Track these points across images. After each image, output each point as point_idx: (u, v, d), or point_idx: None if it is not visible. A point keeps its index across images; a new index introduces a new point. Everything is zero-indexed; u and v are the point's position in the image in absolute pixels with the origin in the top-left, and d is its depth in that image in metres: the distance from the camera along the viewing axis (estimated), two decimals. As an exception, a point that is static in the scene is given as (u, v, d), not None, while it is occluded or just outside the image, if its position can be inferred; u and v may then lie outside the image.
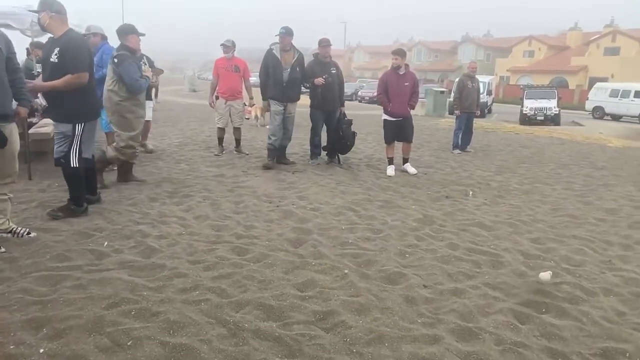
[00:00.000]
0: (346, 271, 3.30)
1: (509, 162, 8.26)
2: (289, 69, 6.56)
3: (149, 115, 7.00)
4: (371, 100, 29.46)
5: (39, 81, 4.17)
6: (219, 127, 7.70)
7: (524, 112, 19.52)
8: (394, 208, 4.98)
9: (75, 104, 3.98)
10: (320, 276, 3.23)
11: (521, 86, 23.54)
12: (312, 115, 7.19)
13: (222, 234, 4.00)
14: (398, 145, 7.06)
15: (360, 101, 30.01)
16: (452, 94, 20.53)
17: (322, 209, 4.79)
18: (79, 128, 4.02)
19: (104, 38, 6.14)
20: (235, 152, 7.82)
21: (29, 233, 3.73)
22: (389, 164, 6.91)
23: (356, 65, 65.31)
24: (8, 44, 3.51)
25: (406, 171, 6.92)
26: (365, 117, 15.54)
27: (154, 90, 7.70)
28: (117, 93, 5.03)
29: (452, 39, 56.69)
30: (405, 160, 7.04)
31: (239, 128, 7.76)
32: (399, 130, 6.82)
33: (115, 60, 4.95)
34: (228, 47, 7.33)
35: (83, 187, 4.26)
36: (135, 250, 3.55)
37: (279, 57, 6.55)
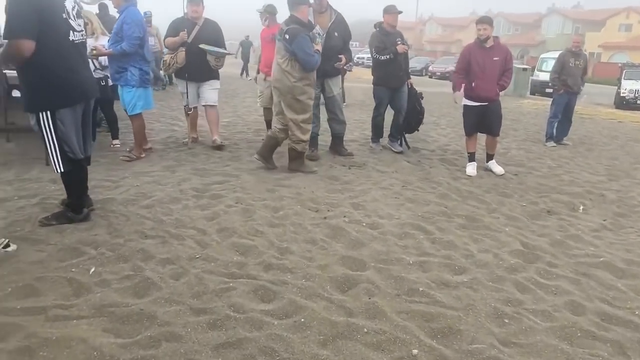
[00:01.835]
0: (415, 351, 2.18)
1: (621, 161, 6.61)
2: (324, 35, 5.30)
3: (213, 98, 5.92)
4: (443, 76, 27.46)
5: None
6: (264, 108, 6.68)
7: (621, 94, 16.94)
8: (480, 229, 3.74)
9: (32, 85, 2.99)
10: (375, 356, 2.14)
11: (620, 64, 20.54)
12: (376, 92, 6.29)
13: (247, 261, 2.99)
14: (480, 137, 5.70)
15: (430, 77, 27.96)
16: (541, 72, 18.44)
17: (382, 226, 3.65)
18: (44, 118, 3.02)
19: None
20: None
21: (7, 246, 2.93)
22: (470, 161, 5.59)
23: (428, 39, 61.94)
24: None
25: (491, 170, 5.57)
26: (438, 96, 13.97)
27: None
28: (291, 74, 4.62)
29: (537, 10, 51.95)
30: (489, 157, 5.68)
31: None
32: (482, 119, 5.44)
33: (287, 36, 4.43)
34: (261, 13, 6.24)
35: (82, 192, 3.39)
36: (126, 284, 2.63)
37: (313, 21, 5.36)
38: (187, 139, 6.15)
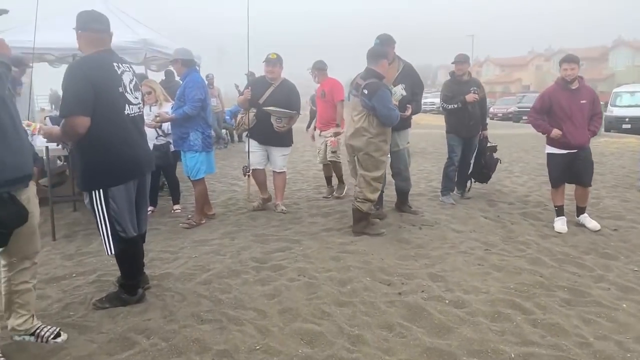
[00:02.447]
0: None
1: None
2: (401, 89, 4.98)
3: (280, 164, 5.58)
4: (505, 117, 26.44)
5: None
6: (323, 164, 6.45)
7: None
8: (589, 305, 3.11)
9: (85, 161, 2.88)
10: None
11: None
12: (448, 140, 5.98)
13: (314, 353, 2.57)
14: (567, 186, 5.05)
15: (492, 118, 27.01)
16: (615, 107, 17.12)
17: (469, 303, 3.12)
18: (96, 197, 2.87)
19: (189, 65, 4.99)
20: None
21: (57, 335, 2.72)
22: (558, 215, 4.94)
23: (485, 80, 60.86)
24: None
25: (584, 225, 4.87)
26: (504, 139, 13.21)
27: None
28: (367, 130, 4.40)
29: (601, 44, 49.86)
30: (580, 210, 4.99)
31: (336, 162, 6.26)
32: (571, 168, 4.82)
33: (365, 91, 4.25)
34: (312, 70, 6.15)
35: (136, 272, 3.17)
36: (178, 386, 2.29)
37: None
38: (255, 202, 5.75)
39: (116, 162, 2.84)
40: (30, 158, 2.54)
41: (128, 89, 2.89)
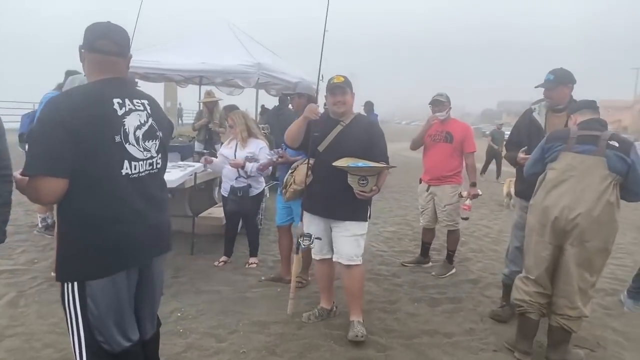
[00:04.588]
0: None
1: None
2: None
3: (348, 252, 3.31)
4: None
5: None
6: (424, 228, 5.05)
7: None
8: None
9: (60, 240, 1.94)
10: None
11: None
12: None
13: None
14: None
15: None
16: None
17: None
18: (68, 292, 1.91)
19: (312, 100, 4.25)
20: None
21: None
22: None
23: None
24: None
25: None
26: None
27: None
28: (615, 205, 2.85)
29: None
30: None
31: (453, 231, 4.79)
32: None
33: (616, 143, 2.85)
34: (441, 102, 4.65)
35: None
36: None
37: (542, 122, 3.55)
38: (308, 312, 3.67)
39: (100, 245, 1.88)
40: None
41: (132, 138, 1.93)
